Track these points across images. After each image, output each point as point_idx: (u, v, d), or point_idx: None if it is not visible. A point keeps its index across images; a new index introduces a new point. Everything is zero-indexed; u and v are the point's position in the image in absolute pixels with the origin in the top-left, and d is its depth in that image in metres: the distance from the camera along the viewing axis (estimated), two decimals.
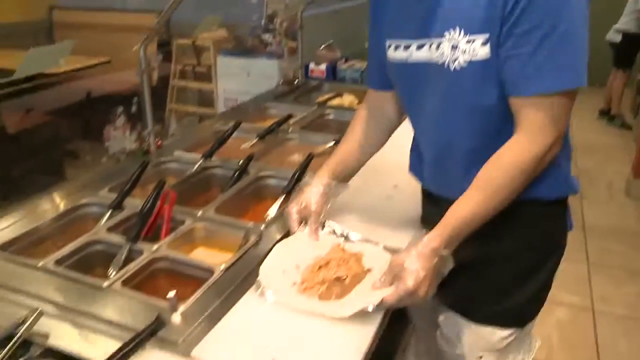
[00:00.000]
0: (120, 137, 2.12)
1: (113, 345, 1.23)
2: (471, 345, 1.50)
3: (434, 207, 1.53)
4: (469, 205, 1.28)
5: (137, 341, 1.21)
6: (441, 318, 1.56)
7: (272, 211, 1.81)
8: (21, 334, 1.26)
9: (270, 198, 1.97)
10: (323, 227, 1.61)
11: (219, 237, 1.72)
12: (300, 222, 1.59)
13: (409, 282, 1.23)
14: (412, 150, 1.64)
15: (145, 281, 1.51)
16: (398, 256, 1.30)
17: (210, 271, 1.50)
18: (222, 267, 1.50)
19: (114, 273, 1.50)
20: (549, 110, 1.22)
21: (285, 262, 1.48)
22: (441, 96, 1.35)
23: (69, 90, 3.36)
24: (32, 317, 1.29)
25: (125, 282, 1.45)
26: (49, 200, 1.92)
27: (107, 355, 1.18)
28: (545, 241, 1.45)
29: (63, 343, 1.27)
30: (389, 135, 1.69)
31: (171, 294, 1.34)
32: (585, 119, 6.82)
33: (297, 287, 1.39)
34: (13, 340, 1.25)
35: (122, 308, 1.37)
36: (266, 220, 1.74)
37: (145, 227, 1.65)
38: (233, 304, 1.37)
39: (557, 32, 1.16)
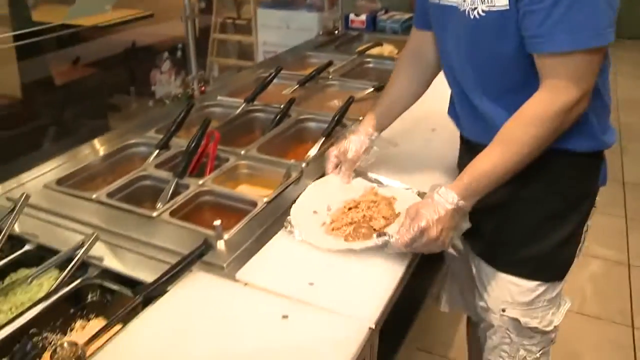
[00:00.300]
0: (165, 82, 2.18)
1: (162, 268, 1.31)
2: (496, 297, 1.48)
3: (468, 152, 1.50)
4: (490, 159, 1.27)
5: (185, 263, 1.29)
6: (473, 268, 1.56)
7: (313, 152, 1.86)
8: (79, 257, 1.36)
9: (311, 140, 2.02)
10: (357, 176, 1.63)
11: (261, 175, 1.79)
12: (337, 166, 1.62)
13: (422, 223, 1.23)
14: (451, 93, 1.62)
15: (191, 213, 1.59)
16: (416, 202, 1.32)
17: (253, 204, 1.57)
18: (265, 200, 1.57)
19: (161, 205, 1.57)
20: (569, 68, 1.19)
21: (317, 202, 1.51)
22: (462, 41, 1.35)
23: (113, 42, 3.41)
24: (89, 242, 1.38)
25: (173, 213, 1.53)
26: (99, 141, 2.01)
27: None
28: (573, 190, 1.40)
29: (117, 265, 1.37)
30: (430, 81, 1.67)
31: (217, 222, 1.41)
32: (630, 73, 6.62)
33: (326, 227, 1.42)
34: (72, 262, 1.35)
35: (170, 235, 1.45)
36: (307, 159, 1.79)
37: (191, 164, 1.72)
38: (274, 234, 1.44)
39: None
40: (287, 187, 1.65)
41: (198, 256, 1.30)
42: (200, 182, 1.67)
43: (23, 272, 1.41)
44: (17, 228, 1.48)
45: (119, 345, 1.13)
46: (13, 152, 1.93)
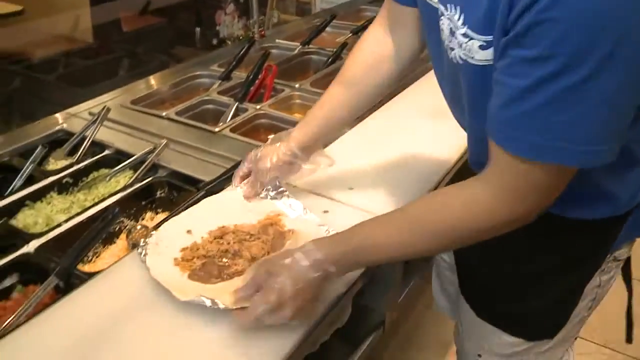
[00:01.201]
0: (229, 23, 2.36)
1: (221, 171, 1.51)
2: (473, 340, 1.28)
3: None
4: (388, 236, 0.95)
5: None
6: (460, 298, 1.31)
7: None
8: (151, 159, 1.57)
9: None
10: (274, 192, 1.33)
11: (312, 105, 1.95)
12: (246, 176, 1.35)
13: (269, 298, 0.92)
14: None
15: (249, 131, 1.78)
16: (270, 260, 1.00)
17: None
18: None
19: (222, 124, 1.76)
20: (524, 175, 0.82)
21: (201, 220, 1.26)
22: (450, 70, 0.99)
23: None
24: (160, 147, 1.58)
25: (232, 130, 1.72)
26: (167, 72, 2.21)
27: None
28: (575, 252, 1.09)
29: (183, 168, 1.56)
30: (399, 77, 1.27)
31: (270, 137, 1.58)
32: None
33: (181, 253, 1.17)
34: (145, 164, 1.56)
35: (229, 147, 1.64)
36: None
37: (250, 92, 1.91)
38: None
39: (569, 80, 0.70)
40: None
41: None
42: (258, 106, 1.85)
43: (103, 171, 1.63)
44: (98, 136, 1.69)
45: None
46: (92, 78, 2.15)
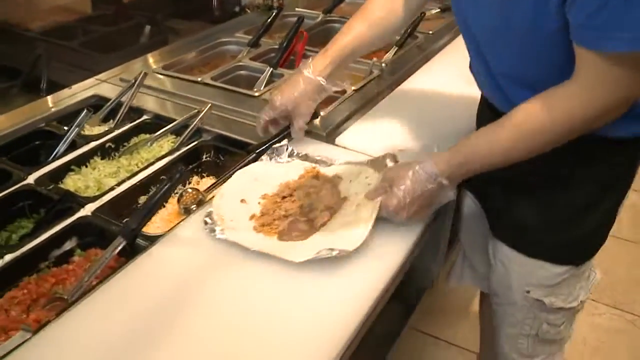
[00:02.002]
0: None
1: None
2: (519, 279, 1.29)
3: (490, 111, 1.26)
4: (494, 141, 1.05)
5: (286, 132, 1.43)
6: (490, 247, 1.36)
7: (388, 56, 1.97)
8: (196, 123, 1.52)
9: (383, 50, 2.13)
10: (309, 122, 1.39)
11: (344, 72, 1.91)
12: (272, 122, 1.40)
13: (392, 201, 1.09)
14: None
15: None
16: (395, 169, 1.14)
17: (342, 92, 1.71)
18: (352, 88, 1.71)
19: (258, 90, 1.72)
20: (618, 72, 0.90)
21: (247, 188, 1.25)
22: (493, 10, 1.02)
23: None
24: (204, 111, 1.54)
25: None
26: (191, 39, 2.15)
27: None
28: (613, 174, 1.16)
29: (228, 131, 1.52)
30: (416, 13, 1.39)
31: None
32: None
33: (255, 221, 1.17)
34: (190, 127, 1.51)
35: None
36: (386, 59, 1.91)
37: (283, 56, 1.86)
38: (365, 113, 1.58)
39: None
40: (369, 81, 1.78)
41: None
42: (292, 72, 1.81)
43: (143, 137, 1.58)
44: (135, 102, 1.64)
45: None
46: (115, 45, 2.09)
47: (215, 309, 0.99)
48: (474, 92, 1.32)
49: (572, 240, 1.21)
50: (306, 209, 1.15)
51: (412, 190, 1.08)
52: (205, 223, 1.14)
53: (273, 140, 1.40)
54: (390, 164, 1.22)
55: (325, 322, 0.96)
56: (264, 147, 1.38)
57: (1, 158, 1.43)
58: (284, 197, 1.19)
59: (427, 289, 1.51)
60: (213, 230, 1.12)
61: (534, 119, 0.99)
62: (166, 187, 1.13)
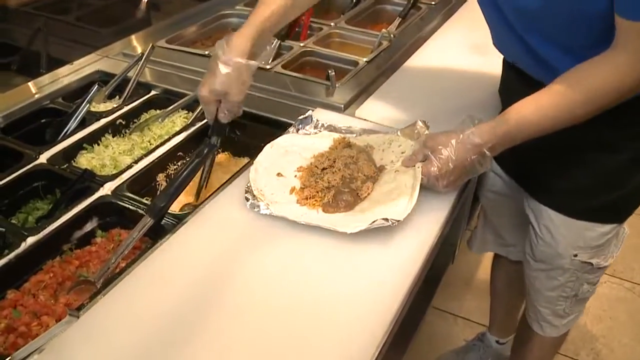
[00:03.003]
0: None
1: (283, 107, 1.45)
2: (566, 243, 1.27)
3: (516, 78, 1.24)
4: (542, 108, 1.01)
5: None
6: (530, 213, 1.33)
7: (393, 27, 1.91)
8: None
9: (386, 21, 2.07)
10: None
11: (352, 44, 1.86)
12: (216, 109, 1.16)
13: (431, 169, 1.06)
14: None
15: (298, 69, 1.68)
16: (436, 136, 1.09)
17: (354, 63, 1.66)
18: (364, 60, 1.65)
19: (264, 63, 1.65)
20: None
21: (281, 162, 1.20)
22: None
23: None
24: None
25: (284, 67, 1.62)
26: (190, 13, 2.07)
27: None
28: None
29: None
30: None
31: (331, 72, 1.50)
32: None
33: (297, 194, 1.12)
34: None
35: (285, 82, 1.55)
36: (394, 30, 1.86)
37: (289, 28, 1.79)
38: (380, 84, 1.53)
39: None
40: (382, 52, 1.72)
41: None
42: (302, 44, 1.75)
43: (153, 113, 1.51)
44: (142, 77, 1.56)
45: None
46: (112, 20, 2.00)
47: (263, 286, 0.94)
48: (489, 61, 1.28)
49: (619, 198, 1.21)
50: (347, 179, 1.11)
51: (453, 159, 1.05)
52: (247, 199, 1.09)
53: (302, 117, 1.33)
54: (423, 130, 1.19)
55: (378, 291, 0.93)
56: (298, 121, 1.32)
57: (8, 138, 1.36)
58: (324, 169, 1.15)
59: (450, 265, 1.48)
60: (256, 206, 1.07)
61: (588, 80, 0.98)
62: (194, 162, 1.08)
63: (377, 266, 0.98)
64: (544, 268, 1.37)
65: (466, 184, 1.18)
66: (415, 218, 1.06)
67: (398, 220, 0.99)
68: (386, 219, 0.98)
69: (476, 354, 1.95)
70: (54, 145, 1.31)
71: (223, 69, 1.09)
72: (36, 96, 1.51)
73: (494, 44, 1.26)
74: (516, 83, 1.24)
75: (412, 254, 1.00)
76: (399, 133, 1.22)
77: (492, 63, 1.39)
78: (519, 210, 1.39)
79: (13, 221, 1.19)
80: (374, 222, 0.98)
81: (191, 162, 1.07)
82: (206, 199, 1.14)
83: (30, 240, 1.06)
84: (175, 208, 1.16)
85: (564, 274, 1.34)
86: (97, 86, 1.39)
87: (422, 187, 1.07)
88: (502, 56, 1.29)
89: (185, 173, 1.07)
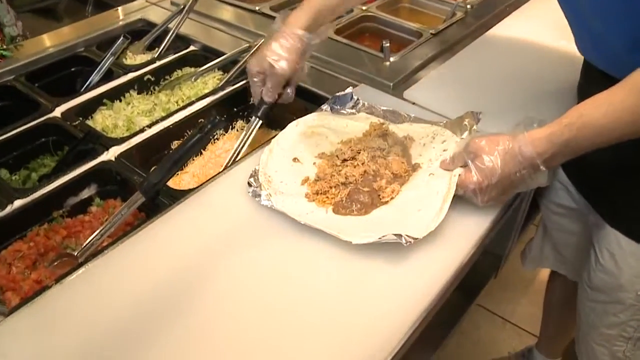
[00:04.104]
0: None
1: (325, 77, 1.27)
2: (631, 274, 1.07)
3: (589, 76, 1.07)
4: (615, 111, 0.80)
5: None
6: (594, 231, 1.12)
7: None
8: (246, 59, 1.30)
9: None
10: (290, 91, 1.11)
11: (422, 13, 1.64)
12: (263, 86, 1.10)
13: (471, 180, 0.86)
14: None
15: (354, 35, 1.49)
16: (481, 140, 0.87)
17: (417, 34, 1.44)
18: (431, 32, 1.43)
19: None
20: None
21: (301, 146, 1.03)
22: None
23: None
24: (257, 45, 1.31)
25: (337, 32, 1.43)
26: None
27: None
28: None
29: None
30: None
31: (385, 42, 1.29)
32: None
33: (309, 186, 0.95)
34: (239, 64, 1.30)
35: (335, 50, 1.36)
36: (472, 0, 1.61)
37: None
38: (442, 63, 1.31)
39: None
40: (452, 24, 1.49)
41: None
42: (364, 7, 1.54)
43: (188, 70, 1.38)
44: (183, 30, 1.43)
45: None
46: None
47: (251, 288, 0.80)
48: (574, 49, 1.03)
49: None
50: (370, 175, 0.93)
51: (498, 172, 0.84)
52: (249, 185, 0.93)
53: (345, 93, 1.14)
54: (470, 124, 0.98)
55: (377, 317, 0.77)
56: (338, 98, 1.13)
57: (32, 85, 1.27)
58: (344, 160, 0.97)
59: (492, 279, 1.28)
60: (257, 195, 0.92)
61: None
62: (195, 138, 0.93)
63: (385, 287, 0.81)
64: (602, 300, 1.15)
65: (516, 194, 0.97)
66: (444, 231, 0.86)
67: (415, 239, 0.80)
68: (399, 235, 0.79)
69: None
70: (72, 98, 1.21)
71: (275, 41, 1.04)
72: (72, 42, 1.41)
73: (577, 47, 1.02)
74: (597, 80, 0.99)
75: (430, 279, 0.82)
76: (443, 124, 1.02)
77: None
78: (585, 227, 1.18)
79: (15, 176, 1.10)
80: (383, 236, 0.80)
81: (192, 137, 0.93)
82: (212, 177, 1.00)
83: (18, 203, 0.97)
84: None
85: (625, 311, 1.11)
86: (122, 38, 1.27)
87: (458, 197, 0.87)
88: None
89: (184, 148, 0.93)
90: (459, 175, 0.87)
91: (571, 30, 1.01)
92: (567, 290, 1.51)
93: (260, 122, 1.10)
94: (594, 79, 1.04)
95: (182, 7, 1.43)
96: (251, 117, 1.10)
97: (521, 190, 0.89)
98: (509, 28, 1.48)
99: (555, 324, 1.65)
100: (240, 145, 1.08)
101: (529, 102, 1.18)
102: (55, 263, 0.93)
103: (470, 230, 0.89)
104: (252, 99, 1.12)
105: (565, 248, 1.31)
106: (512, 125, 0.86)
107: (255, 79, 1.07)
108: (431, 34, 1.42)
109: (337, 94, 1.12)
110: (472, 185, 0.85)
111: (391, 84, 1.23)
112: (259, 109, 1.09)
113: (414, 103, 1.18)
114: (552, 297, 1.61)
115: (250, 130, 1.09)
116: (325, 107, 1.11)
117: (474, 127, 0.98)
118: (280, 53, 1.04)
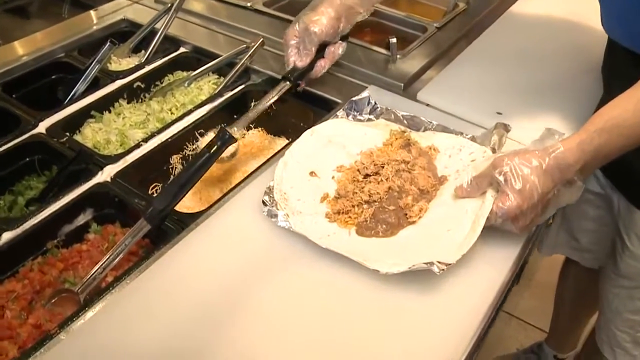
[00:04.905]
0: None
1: (330, 79, 1.16)
2: None
3: (614, 55, 1.01)
4: (638, 106, 0.75)
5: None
6: (621, 217, 1.09)
7: None
8: (244, 61, 1.21)
9: None
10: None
11: (424, 3, 1.56)
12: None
13: (508, 204, 0.75)
14: None
15: (355, 32, 1.38)
16: (510, 158, 0.76)
17: (422, 29, 1.36)
18: (435, 25, 1.35)
19: None
20: None
21: (318, 157, 0.94)
22: None
23: None
24: (255, 46, 1.22)
25: None
26: None
27: None
28: None
29: (280, 73, 1.20)
30: None
31: (392, 38, 1.21)
32: None
33: (328, 204, 0.87)
34: (237, 67, 1.20)
35: None
36: None
37: None
38: (452, 59, 1.23)
39: None
40: (456, 16, 1.41)
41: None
42: None
43: (179, 75, 1.28)
44: (171, 30, 1.32)
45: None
46: None
47: (275, 325, 0.72)
48: (594, 33, 0.97)
49: None
50: (395, 192, 0.85)
51: (539, 191, 0.75)
52: (264, 204, 0.84)
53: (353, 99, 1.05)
54: (500, 135, 0.90)
55: (418, 354, 0.69)
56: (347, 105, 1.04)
57: (10, 97, 1.15)
58: (367, 175, 0.88)
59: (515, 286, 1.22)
60: (274, 215, 0.83)
61: None
62: (204, 158, 0.84)
63: (419, 320, 0.73)
64: (628, 285, 1.13)
65: None
66: (478, 251, 0.79)
67: (448, 265, 0.72)
68: (430, 263, 0.72)
69: None
70: (57, 111, 1.10)
71: (312, 7, 1.06)
72: (51, 47, 1.29)
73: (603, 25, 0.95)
74: (621, 61, 0.94)
75: (471, 306, 0.75)
76: (470, 137, 0.94)
77: (598, 37, 1.07)
78: (606, 213, 1.15)
79: (0, 202, 1.00)
80: (413, 265, 0.72)
81: (200, 156, 0.84)
82: (221, 198, 0.91)
83: (7, 235, 0.87)
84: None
85: None
86: (109, 44, 1.15)
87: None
88: None
89: (192, 170, 0.84)
90: (494, 200, 0.77)
91: (600, 5, 0.95)
92: (580, 281, 1.50)
93: (289, 85, 1.04)
94: (618, 60, 0.99)
95: (169, 5, 1.33)
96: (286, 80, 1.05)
97: (556, 209, 0.80)
98: (520, 13, 1.40)
99: (568, 317, 1.63)
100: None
101: (553, 94, 1.12)
102: (54, 300, 0.84)
103: (506, 247, 0.82)
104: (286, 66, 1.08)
105: (582, 234, 1.29)
106: (532, 141, 0.80)
107: (291, 43, 1.06)
108: (436, 27, 1.34)
109: (353, 98, 1.03)
110: (513, 210, 0.76)
111: (402, 85, 1.15)
112: (291, 73, 1.05)
113: (427, 105, 1.10)
114: (565, 290, 1.58)
115: (277, 92, 1.03)
116: (340, 113, 1.03)
117: (504, 136, 0.90)
118: (316, 17, 1.04)
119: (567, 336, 1.67)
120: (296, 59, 1.07)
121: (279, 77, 1.18)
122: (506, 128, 0.91)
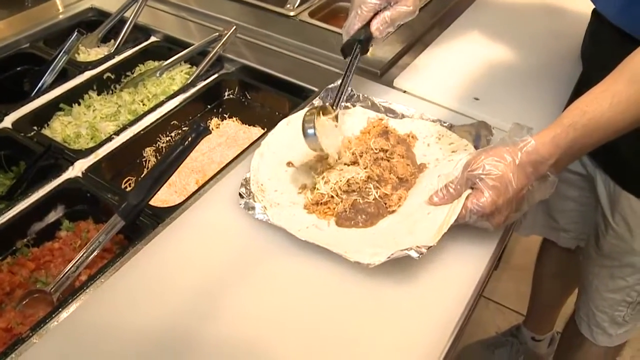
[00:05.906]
0: None
1: (304, 66, 1.16)
2: None
3: (601, 34, 1.01)
4: (620, 103, 0.73)
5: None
6: (605, 196, 1.10)
7: None
8: (217, 50, 1.17)
9: None
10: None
11: None
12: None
13: (483, 199, 0.73)
14: None
15: (328, 17, 1.38)
16: (484, 157, 0.75)
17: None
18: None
19: (292, 6, 1.35)
20: None
21: (295, 147, 0.88)
22: None
23: None
24: (227, 35, 1.19)
25: (312, 14, 1.32)
26: None
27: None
28: None
29: (255, 62, 1.18)
30: None
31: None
32: None
33: (306, 196, 0.85)
34: (210, 55, 1.17)
35: (310, 35, 1.24)
36: None
37: None
38: (428, 44, 1.22)
39: None
40: (430, 1, 1.39)
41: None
42: None
43: (150, 65, 1.24)
44: (141, 18, 1.28)
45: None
46: None
47: (255, 324, 0.70)
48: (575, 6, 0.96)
49: None
50: (374, 181, 0.83)
51: (513, 187, 0.73)
52: (241, 196, 0.82)
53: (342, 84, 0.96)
54: (484, 134, 0.89)
55: (402, 345, 0.68)
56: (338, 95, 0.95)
57: None
58: (345, 165, 0.86)
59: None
60: (251, 207, 0.81)
61: None
62: (178, 151, 0.81)
63: (403, 310, 0.72)
64: (610, 265, 1.14)
65: None
66: (459, 236, 0.79)
67: (429, 247, 0.71)
68: (409, 249, 0.70)
69: (507, 350, 1.72)
70: (23, 105, 1.06)
71: None
72: (14, 38, 1.24)
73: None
74: (605, 40, 0.94)
75: (455, 292, 0.75)
76: (447, 125, 0.93)
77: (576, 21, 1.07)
78: (587, 193, 1.17)
79: None
80: (393, 253, 0.71)
81: (173, 149, 0.81)
82: (197, 190, 0.88)
83: None
84: None
85: (633, 275, 1.11)
86: (76, 34, 1.11)
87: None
88: None
89: (166, 163, 0.81)
90: (468, 197, 0.75)
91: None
92: (559, 262, 1.52)
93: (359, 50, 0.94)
94: (602, 39, 1.00)
95: None
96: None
97: (529, 206, 0.78)
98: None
99: (546, 297, 1.65)
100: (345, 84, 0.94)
101: (530, 79, 1.11)
102: (25, 302, 0.80)
103: (487, 234, 0.81)
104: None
105: (561, 214, 1.30)
106: (501, 137, 0.78)
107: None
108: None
109: (329, 85, 1.01)
110: (488, 208, 0.73)
111: (378, 71, 1.13)
112: (352, 42, 0.94)
113: (405, 91, 1.08)
114: (543, 271, 1.60)
115: (356, 61, 0.93)
116: (316, 101, 1.00)
117: (490, 136, 0.89)
118: None
119: (544, 317, 1.68)
120: (375, 27, 0.93)
121: (254, 65, 1.16)
122: (489, 130, 0.89)
